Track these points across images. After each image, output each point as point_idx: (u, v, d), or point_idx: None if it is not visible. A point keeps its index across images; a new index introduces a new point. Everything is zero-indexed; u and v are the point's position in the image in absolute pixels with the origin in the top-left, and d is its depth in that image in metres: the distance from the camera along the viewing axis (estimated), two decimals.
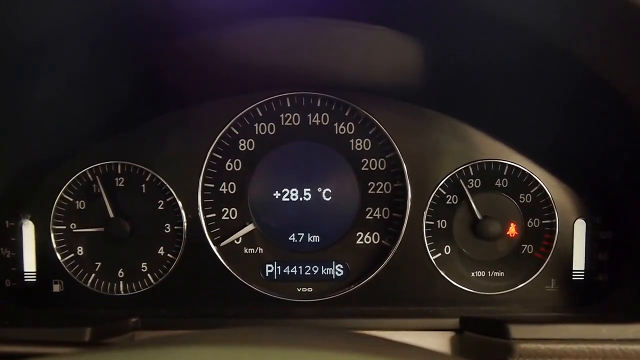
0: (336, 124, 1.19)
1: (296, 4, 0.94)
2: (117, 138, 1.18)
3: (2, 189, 1.14)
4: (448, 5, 0.86)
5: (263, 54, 1.07)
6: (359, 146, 1.19)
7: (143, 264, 1.20)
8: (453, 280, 1.19)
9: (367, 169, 1.19)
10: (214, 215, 1.20)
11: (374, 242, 1.20)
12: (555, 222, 1.17)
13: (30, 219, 1.19)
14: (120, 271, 1.20)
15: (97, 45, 0.92)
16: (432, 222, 1.19)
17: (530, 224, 1.19)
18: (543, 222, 1.18)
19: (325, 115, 1.19)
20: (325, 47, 1.06)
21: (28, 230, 1.19)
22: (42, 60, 0.90)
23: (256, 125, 1.19)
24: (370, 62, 1.10)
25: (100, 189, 1.18)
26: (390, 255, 1.18)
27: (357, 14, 0.96)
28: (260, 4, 0.90)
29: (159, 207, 1.19)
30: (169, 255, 1.20)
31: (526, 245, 1.19)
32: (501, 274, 1.20)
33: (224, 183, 1.19)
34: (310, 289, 1.20)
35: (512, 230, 1.19)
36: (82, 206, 1.19)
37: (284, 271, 1.21)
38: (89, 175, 1.19)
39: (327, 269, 1.21)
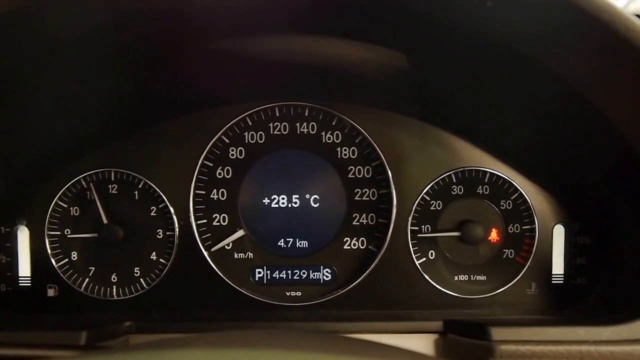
0: (323, 133, 1.23)
1: (282, 23, 0.97)
2: (111, 146, 1.22)
3: None
4: (430, 25, 0.90)
5: (253, 66, 1.11)
6: (345, 154, 1.23)
7: (136, 268, 1.23)
8: (437, 284, 1.23)
9: (353, 176, 1.23)
10: (205, 221, 1.23)
11: (361, 247, 1.24)
12: (535, 228, 1.22)
13: (26, 225, 1.22)
14: (113, 276, 1.23)
15: (93, 59, 0.96)
16: (417, 228, 1.23)
17: (511, 229, 1.23)
18: (523, 227, 1.23)
19: (313, 125, 1.23)
20: (312, 59, 1.10)
21: (23, 236, 1.22)
22: (39, 71, 0.93)
23: (246, 134, 1.23)
24: (356, 75, 1.14)
25: (94, 195, 1.21)
26: (377, 260, 1.22)
27: (339, 30, 1.00)
28: (249, 22, 0.94)
29: (152, 214, 1.23)
30: (161, 260, 1.23)
31: (507, 250, 1.23)
32: (483, 277, 1.24)
33: (214, 190, 1.23)
34: (299, 293, 1.24)
35: (493, 235, 1.23)
36: (76, 212, 1.23)
37: (274, 275, 1.24)
38: (83, 183, 1.22)
39: (316, 273, 1.24)
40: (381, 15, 0.91)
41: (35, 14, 0.79)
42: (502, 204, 1.23)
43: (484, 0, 0.81)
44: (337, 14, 0.93)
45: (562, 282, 1.23)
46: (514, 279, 1.22)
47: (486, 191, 1.22)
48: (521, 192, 1.22)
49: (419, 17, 0.89)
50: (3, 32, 0.81)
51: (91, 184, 1.22)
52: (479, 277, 1.23)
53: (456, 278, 1.24)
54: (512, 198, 1.22)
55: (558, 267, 1.23)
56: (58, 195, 1.21)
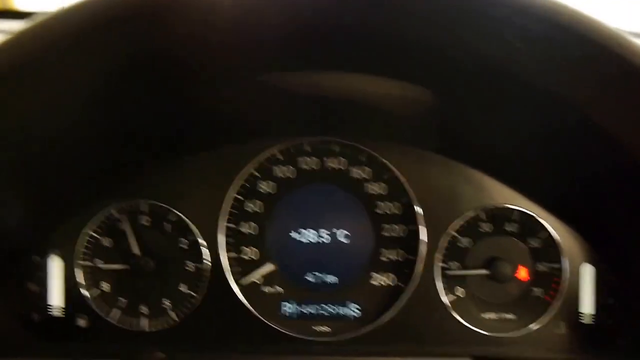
0: (353, 169, 1.24)
1: (308, 60, 1.00)
2: (143, 178, 1.24)
3: (30, 226, 1.20)
4: (459, 64, 0.92)
5: (283, 101, 1.13)
6: (374, 190, 1.24)
7: (166, 300, 1.24)
8: (465, 322, 1.23)
9: (382, 212, 1.24)
10: (235, 254, 1.24)
11: (390, 283, 1.24)
12: (563, 267, 1.22)
13: (58, 255, 1.23)
14: (143, 307, 1.24)
15: (121, 93, 0.98)
16: (445, 265, 1.23)
17: (539, 267, 1.23)
18: (552, 266, 1.23)
19: (342, 160, 1.24)
20: (341, 95, 1.12)
21: (55, 266, 1.24)
22: (71, 105, 0.96)
23: (276, 168, 1.24)
24: (385, 111, 1.16)
25: (126, 226, 1.23)
26: (405, 296, 1.22)
27: (369, 66, 1.02)
28: (277, 59, 0.96)
29: (182, 246, 1.24)
30: (191, 292, 1.24)
31: (536, 289, 1.23)
32: (512, 316, 1.23)
33: (244, 223, 1.24)
34: (327, 328, 1.24)
35: (522, 273, 1.23)
36: (108, 243, 1.24)
37: (302, 310, 1.25)
38: (115, 213, 1.24)
39: (343, 308, 1.25)
40: (409, 55, 0.93)
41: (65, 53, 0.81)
42: (530, 242, 1.23)
43: (513, 43, 0.83)
44: (365, 52, 0.95)
45: (591, 322, 1.22)
46: (543, 317, 1.22)
47: (515, 229, 1.23)
48: (549, 231, 1.22)
49: (446, 57, 0.91)
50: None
51: (123, 214, 1.24)
52: (507, 316, 1.23)
53: (484, 316, 1.23)
54: (540, 236, 1.23)
55: (587, 306, 1.22)
56: (90, 226, 1.23)
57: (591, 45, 0.77)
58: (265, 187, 1.24)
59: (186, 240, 1.24)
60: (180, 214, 1.23)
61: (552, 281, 1.23)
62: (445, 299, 1.22)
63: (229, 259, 1.24)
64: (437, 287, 1.22)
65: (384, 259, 1.24)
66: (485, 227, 1.23)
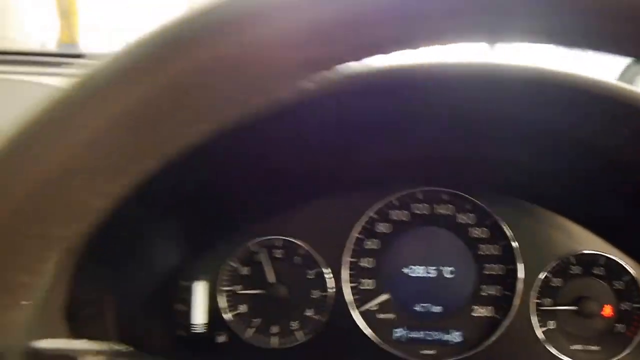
0: (459, 215, 1.44)
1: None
2: (278, 218, 1.45)
3: (181, 257, 1.41)
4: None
5: (401, 159, 1.34)
6: (477, 234, 1.43)
7: (294, 323, 1.44)
8: (555, 351, 1.40)
9: (483, 253, 1.43)
10: (355, 285, 1.44)
11: (488, 315, 1.43)
12: None
13: (203, 281, 1.44)
14: (274, 328, 1.45)
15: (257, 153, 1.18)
16: (539, 301, 1.41)
17: (622, 307, 1.40)
18: (634, 305, 1.40)
19: (450, 207, 1.44)
20: (449, 156, 1.32)
21: (200, 290, 1.45)
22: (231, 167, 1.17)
23: (392, 212, 1.44)
24: (486, 167, 1.35)
25: (263, 258, 1.44)
26: (502, 327, 1.41)
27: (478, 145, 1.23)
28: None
29: (310, 276, 1.45)
30: (315, 317, 1.44)
31: (619, 325, 1.40)
32: (597, 347, 1.41)
33: (363, 258, 1.44)
34: (433, 351, 1.43)
35: (607, 311, 1.40)
36: (246, 272, 1.45)
37: (411, 335, 1.44)
38: (253, 247, 1.45)
39: (447, 335, 1.44)
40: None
41: None
42: (614, 284, 1.41)
43: (622, 128, 1.02)
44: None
45: None
46: (624, 351, 1.39)
47: (601, 272, 1.41)
48: (632, 274, 1.39)
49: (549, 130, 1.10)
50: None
51: (262, 248, 1.44)
52: (593, 347, 1.41)
53: (572, 347, 1.41)
54: (624, 279, 1.40)
55: None
56: (232, 258, 1.44)
57: None
58: (382, 228, 1.44)
59: (313, 272, 1.45)
60: (309, 249, 1.44)
61: (634, 319, 1.40)
62: (538, 330, 1.41)
63: (350, 288, 1.44)
64: (532, 320, 1.41)
65: (484, 293, 1.43)
66: (575, 269, 1.41)
